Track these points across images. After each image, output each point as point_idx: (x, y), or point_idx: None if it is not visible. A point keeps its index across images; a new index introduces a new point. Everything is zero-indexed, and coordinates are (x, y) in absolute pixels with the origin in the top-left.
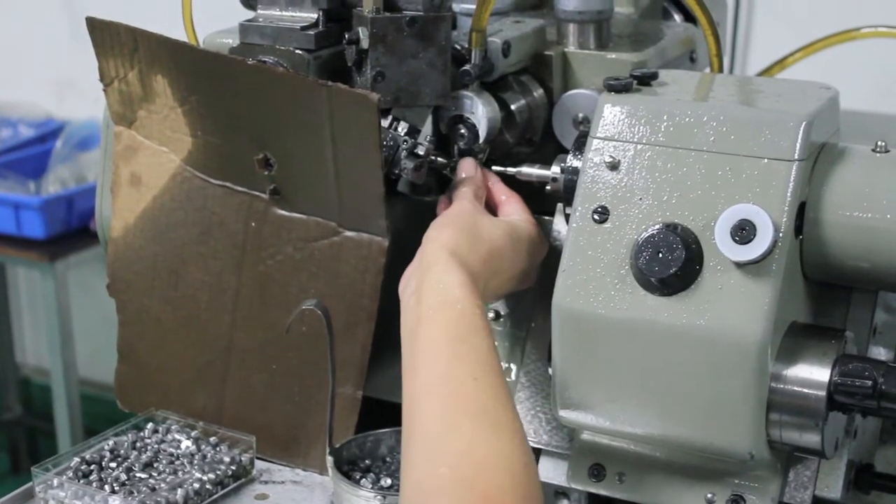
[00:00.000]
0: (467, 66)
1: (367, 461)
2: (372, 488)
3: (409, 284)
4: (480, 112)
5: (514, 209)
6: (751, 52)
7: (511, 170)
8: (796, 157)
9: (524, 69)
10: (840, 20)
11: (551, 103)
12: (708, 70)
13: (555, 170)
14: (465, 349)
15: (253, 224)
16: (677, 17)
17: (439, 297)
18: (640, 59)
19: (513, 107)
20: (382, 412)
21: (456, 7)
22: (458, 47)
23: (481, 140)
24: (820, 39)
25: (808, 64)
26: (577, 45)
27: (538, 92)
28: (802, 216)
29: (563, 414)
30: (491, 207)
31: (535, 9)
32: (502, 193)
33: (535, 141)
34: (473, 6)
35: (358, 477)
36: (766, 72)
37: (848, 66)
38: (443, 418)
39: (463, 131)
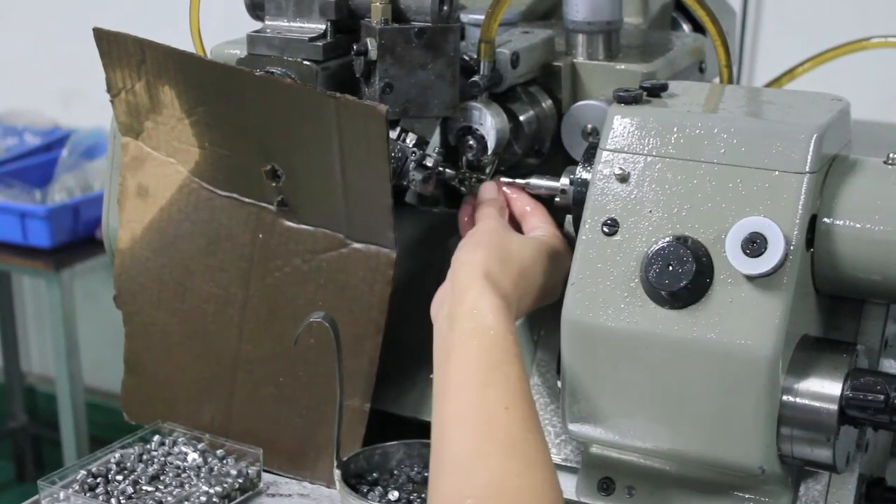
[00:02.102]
0: (476, 78)
1: (374, 474)
2: (380, 501)
3: (442, 308)
4: (489, 123)
5: (538, 221)
6: (757, 61)
7: (520, 181)
8: (807, 169)
9: (533, 80)
10: (848, 30)
11: (560, 114)
12: (717, 80)
13: (564, 181)
14: (498, 377)
15: (260, 236)
16: (686, 28)
17: (472, 322)
18: (649, 69)
19: (521, 118)
20: (390, 425)
21: (464, 18)
22: (467, 58)
23: (490, 151)
24: (829, 49)
25: (817, 74)
26: (586, 56)
27: (547, 103)
28: (814, 229)
29: (573, 427)
30: (515, 220)
31: (543, 19)
32: (526, 204)
33: (543, 152)
34: (482, 17)
35: (365, 490)
36: (775, 82)
37: (857, 76)
38: (473, 446)
39: (471, 143)
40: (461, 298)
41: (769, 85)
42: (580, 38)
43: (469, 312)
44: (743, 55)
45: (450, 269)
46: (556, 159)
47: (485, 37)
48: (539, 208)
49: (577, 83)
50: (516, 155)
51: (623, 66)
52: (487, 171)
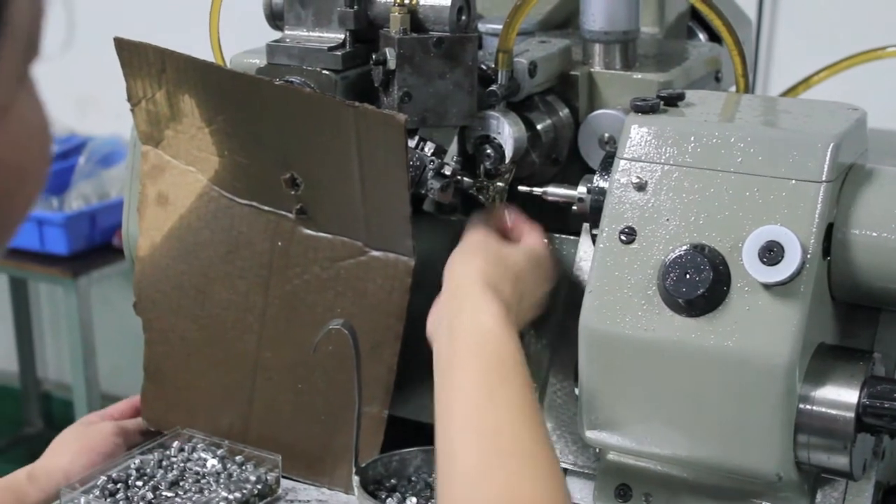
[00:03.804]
0: (494, 87)
1: (392, 480)
2: None
3: (440, 323)
4: (507, 132)
5: (523, 232)
6: (773, 70)
7: (537, 190)
8: (824, 178)
9: (550, 89)
10: (864, 39)
11: (577, 123)
12: (733, 89)
13: (581, 190)
14: (503, 388)
15: (279, 244)
16: (702, 37)
17: (474, 330)
18: (665, 79)
19: (539, 127)
20: (408, 431)
21: (482, 27)
22: (485, 67)
23: (507, 160)
24: (845, 58)
25: (833, 83)
26: (603, 66)
27: (564, 112)
28: (830, 237)
29: (590, 434)
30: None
31: (560, 28)
32: (512, 218)
33: (560, 161)
34: (500, 26)
35: (384, 496)
36: (791, 91)
37: (874, 85)
38: (483, 457)
39: (489, 151)
40: (461, 306)
41: (785, 94)
42: (597, 48)
43: (470, 320)
44: (758, 64)
45: (444, 282)
46: (573, 168)
47: (502, 46)
48: (536, 230)
49: (595, 92)
50: (534, 164)
51: (640, 76)
52: (506, 178)
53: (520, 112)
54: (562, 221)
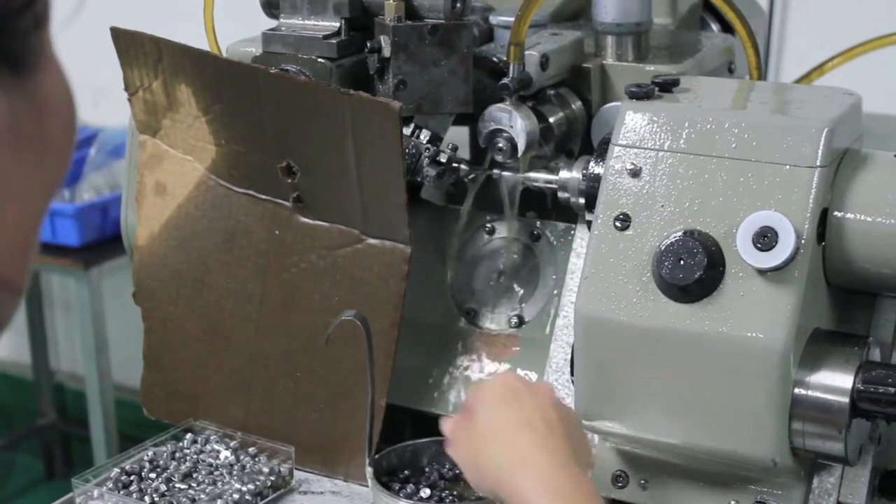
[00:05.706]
0: (506, 80)
1: (406, 471)
2: (412, 499)
3: None
4: (519, 125)
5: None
6: (785, 60)
7: (518, 175)
8: (818, 163)
9: (562, 82)
10: (876, 26)
11: (590, 115)
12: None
13: (563, 175)
14: None
15: (277, 232)
16: (715, 28)
17: None
18: (678, 70)
19: (551, 119)
20: (404, 419)
21: (493, 20)
22: (496, 60)
23: (520, 153)
24: (857, 45)
25: (846, 70)
26: (616, 58)
27: (576, 104)
28: (825, 223)
29: (586, 421)
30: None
31: (572, 20)
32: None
33: (573, 153)
34: (511, 19)
35: (397, 487)
36: (804, 78)
37: (885, 72)
38: None
39: (501, 145)
40: None
41: (798, 81)
42: (609, 40)
43: None
44: (770, 54)
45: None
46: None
47: (514, 39)
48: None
49: (607, 84)
50: (546, 156)
51: (652, 67)
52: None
53: (532, 105)
54: (559, 208)
